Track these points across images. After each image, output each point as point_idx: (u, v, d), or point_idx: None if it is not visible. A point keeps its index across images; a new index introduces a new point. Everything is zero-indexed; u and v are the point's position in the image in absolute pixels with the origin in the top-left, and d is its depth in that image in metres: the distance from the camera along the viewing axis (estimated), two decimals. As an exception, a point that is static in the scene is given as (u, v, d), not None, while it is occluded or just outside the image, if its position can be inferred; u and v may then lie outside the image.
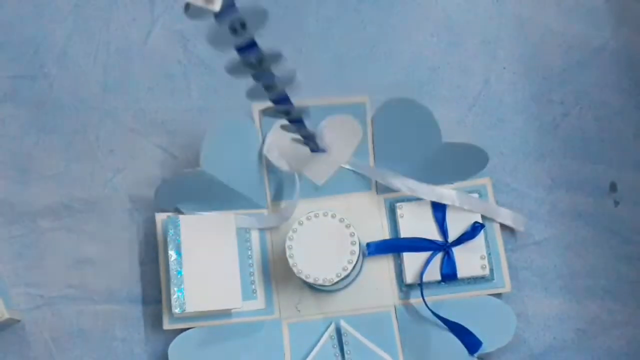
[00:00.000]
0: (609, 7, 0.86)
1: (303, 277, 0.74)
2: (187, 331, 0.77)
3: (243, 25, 0.53)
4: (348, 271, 0.73)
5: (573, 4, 0.86)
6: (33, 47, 0.85)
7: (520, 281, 0.81)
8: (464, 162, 0.79)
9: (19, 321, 0.80)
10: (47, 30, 0.85)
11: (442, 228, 0.79)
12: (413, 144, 0.79)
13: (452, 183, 0.80)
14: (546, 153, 0.84)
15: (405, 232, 0.79)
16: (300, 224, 0.74)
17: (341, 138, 0.79)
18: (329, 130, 0.78)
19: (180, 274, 0.75)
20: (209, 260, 0.76)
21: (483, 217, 0.80)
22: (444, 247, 0.78)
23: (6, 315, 0.77)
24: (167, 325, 0.77)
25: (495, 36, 0.86)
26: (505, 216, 0.80)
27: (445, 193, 0.79)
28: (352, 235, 0.74)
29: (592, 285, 0.81)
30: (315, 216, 0.74)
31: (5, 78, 0.85)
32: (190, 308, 0.74)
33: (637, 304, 0.81)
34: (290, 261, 0.73)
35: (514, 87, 0.85)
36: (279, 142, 0.79)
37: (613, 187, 0.83)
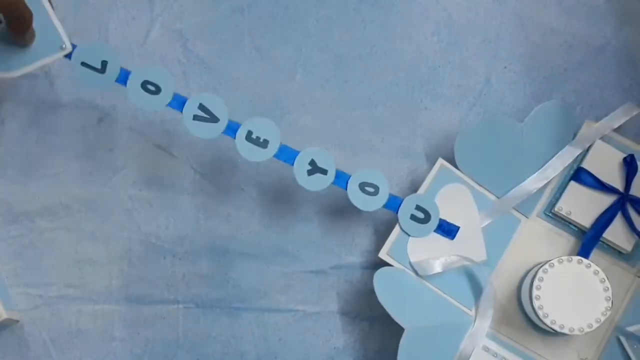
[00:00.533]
0: (610, 6, 0.86)
1: (550, 325, 0.72)
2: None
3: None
4: (601, 322, 0.71)
5: (574, 3, 0.86)
6: (33, 47, 0.85)
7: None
8: (552, 126, 0.78)
9: (17, 321, 0.80)
10: (46, 29, 0.85)
11: (605, 188, 0.76)
12: (501, 157, 0.78)
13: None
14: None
15: (584, 221, 0.76)
16: (552, 266, 0.72)
17: (460, 206, 0.77)
18: (445, 207, 0.77)
19: None
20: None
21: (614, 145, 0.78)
22: (623, 200, 0.75)
23: (5, 316, 0.77)
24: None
25: (496, 35, 0.86)
26: (613, 117, 0.78)
27: (563, 154, 0.77)
28: (602, 281, 0.72)
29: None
30: (569, 261, 0.72)
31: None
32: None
33: (638, 304, 0.81)
34: (537, 303, 0.71)
35: (515, 86, 0.85)
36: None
37: (614, 187, 0.83)
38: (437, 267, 0.74)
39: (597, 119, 0.84)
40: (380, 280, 0.74)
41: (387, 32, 0.86)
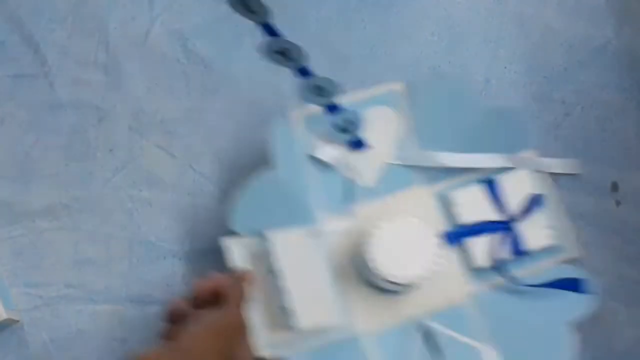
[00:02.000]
0: (611, 6, 0.86)
1: (388, 279, 0.71)
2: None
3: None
4: (439, 266, 0.71)
5: (574, 3, 0.86)
6: (33, 47, 0.85)
7: (521, 281, 0.81)
8: (506, 131, 0.78)
9: (17, 321, 0.80)
10: (47, 29, 0.85)
11: (500, 207, 0.77)
12: (453, 120, 0.78)
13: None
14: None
15: (464, 220, 0.77)
16: (379, 228, 0.72)
17: (381, 132, 0.78)
18: (368, 125, 0.77)
19: (287, 291, 0.72)
20: (305, 276, 0.73)
21: (536, 184, 0.78)
22: (506, 226, 0.76)
23: (4, 316, 0.77)
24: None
25: (496, 35, 0.86)
26: (556, 165, 0.79)
27: (494, 158, 0.78)
28: (435, 236, 0.72)
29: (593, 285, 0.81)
30: (393, 219, 0.72)
31: (5, 77, 0.85)
32: (304, 324, 0.71)
33: (638, 304, 0.80)
34: (368, 256, 0.71)
35: (515, 86, 0.85)
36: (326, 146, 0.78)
37: (614, 187, 0.83)
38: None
39: (598, 119, 0.84)
40: None
41: (387, 32, 0.86)
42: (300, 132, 0.79)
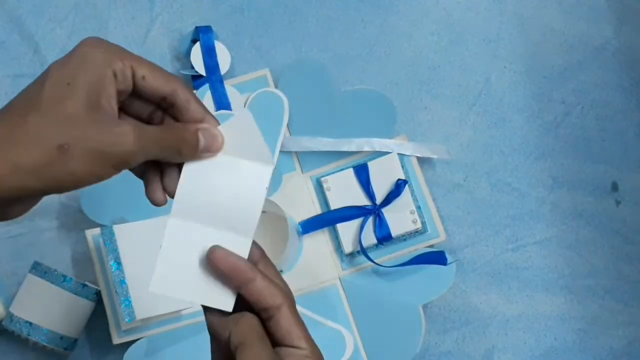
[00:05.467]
0: (610, 6, 0.86)
1: None
2: (139, 340, 0.77)
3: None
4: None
5: (574, 3, 0.86)
6: (33, 46, 0.85)
7: (521, 281, 0.81)
8: (372, 112, 0.81)
9: (17, 321, 0.80)
10: (47, 29, 0.85)
11: (369, 192, 0.79)
12: (318, 103, 0.81)
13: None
14: (547, 152, 0.83)
15: (335, 205, 0.79)
16: None
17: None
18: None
19: (124, 283, 0.74)
20: (150, 266, 0.75)
21: (405, 169, 0.80)
22: (373, 211, 0.79)
23: (4, 315, 0.77)
24: (116, 339, 0.77)
25: (496, 35, 0.86)
26: (423, 149, 0.81)
27: (360, 141, 0.80)
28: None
29: (594, 285, 0.81)
30: None
31: (5, 77, 0.84)
32: (140, 315, 0.74)
33: (638, 303, 0.80)
34: None
35: (515, 86, 0.85)
36: None
37: (614, 187, 0.83)
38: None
39: (598, 119, 0.84)
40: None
41: (387, 32, 0.86)
42: None
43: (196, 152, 0.48)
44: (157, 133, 0.47)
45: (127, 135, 0.45)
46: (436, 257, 0.77)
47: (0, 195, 0.44)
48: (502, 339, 0.80)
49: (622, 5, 0.86)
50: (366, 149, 0.80)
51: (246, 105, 0.81)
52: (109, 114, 0.45)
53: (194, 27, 0.83)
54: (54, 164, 0.44)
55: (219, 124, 0.49)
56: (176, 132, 0.48)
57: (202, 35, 0.82)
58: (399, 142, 0.81)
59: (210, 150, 0.48)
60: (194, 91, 0.82)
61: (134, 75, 0.47)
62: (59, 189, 0.45)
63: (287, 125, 0.81)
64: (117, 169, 0.46)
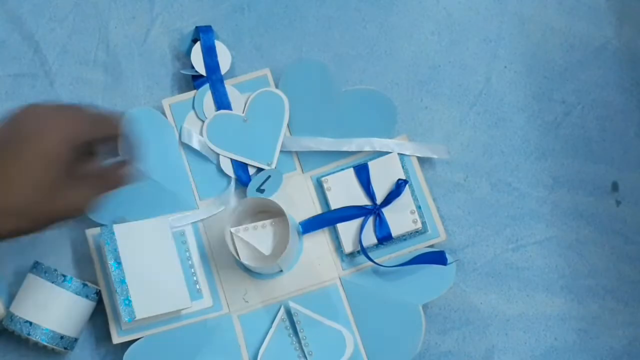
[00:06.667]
0: (611, 5, 0.86)
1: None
2: (140, 340, 0.77)
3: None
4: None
5: (575, 3, 0.86)
6: (33, 46, 0.85)
7: (521, 281, 0.81)
8: (372, 112, 0.81)
9: (17, 320, 0.80)
10: (47, 28, 0.85)
11: (369, 192, 0.79)
12: (318, 103, 0.81)
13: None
14: (547, 152, 0.83)
15: (335, 204, 0.80)
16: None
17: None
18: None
19: (124, 282, 0.74)
20: (150, 265, 0.76)
21: (405, 169, 0.80)
22: (373, 210, 0.79)
23: (5, 315, 0.77)
24: (116, 339, 0.77)
25: (497, 35, 0.86)
26: (424, 149, 0.81)
27: (360, 141, 0.81)
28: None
29: (594, 285, 0.81)
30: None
31: (6, 76, 0.84)
32: (140, 315, 0.74)
33: (638, 303, 0.80)
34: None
35: (515, 85, 0.85)
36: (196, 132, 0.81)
37: (615, 187, 0.83)
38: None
39: (598, 119, 0.84)
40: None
41: (387, 32, 0.86)
42: (167, 121, 0.81)
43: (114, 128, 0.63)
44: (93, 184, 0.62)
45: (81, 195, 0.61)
46: (436, 257, 0.77)
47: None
48: (502, 339, 0.80)
49: (622, 5, 0.86)
50: (366, 149, 0.80)
51: (246, 105, 0.81)
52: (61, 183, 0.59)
53: (195, 27, 0.83)
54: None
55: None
56: (105, 180, 0.63)
57: (203, 35, 0.82)
58: (399, 142, 0.81)
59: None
60: (195, 91, 0.82)
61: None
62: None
63: (288, 125, 0.81)
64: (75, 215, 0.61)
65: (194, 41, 0.82)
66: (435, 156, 0.81)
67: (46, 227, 0.60)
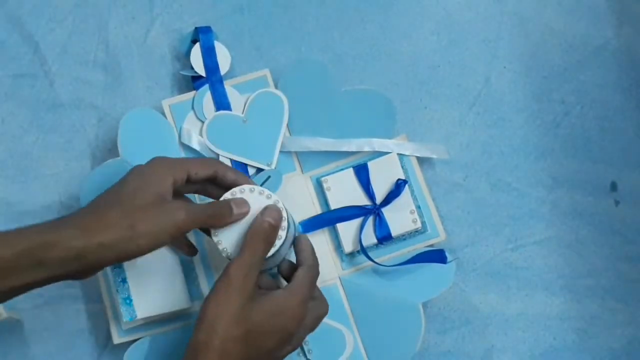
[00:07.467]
0: (610, 5, 0.86)
1: (231, 258, 0.72)
2: (140, 340, 0.77)
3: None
4: (277, 247, 0.70)
5: (574, 3, 0.86)
6: (33, 46, 0.85)
7: (520, 281, 0.81)
8: (372, 112, 0.81)
9: (18, 320, 0.80)
10: (47, 29, 0.85)
11: (369, 192, 0.79)
12: (318, 103, 0.81)
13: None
14: (547, 152, 0.84)
15: (334, 205, 0.80)
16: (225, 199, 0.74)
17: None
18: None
19: (125, 281, 0.74)
20: (150, 265, 0.76)
21: (405, 169, 0.80)
22: (373, 210, 0.79)
23: (5, 315, 0.77)
24: (116, 339, 0.77)
25: (496, 35, 0.86)
26: (423, 149, 0.81)
27: (360, 141, 0.81)
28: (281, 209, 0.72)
29: (593, 284, 0.81)
30: (241, 192, 0.71)
31: (5, 77, 0.84)
32: (141, 314, 0.74)
33: (638, 303, 0.81)
34: (215, 239, 0.71)
35: (515, 86, 0.85)
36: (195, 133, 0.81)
37: (614, 187, 0.83)
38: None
39: (598, 118, 0.84)
40: None
41: (387, 32, 0.86)
42: (166, 122, 0.81)
43: (230, 219, 0.68)
44: (201, 207, 0.66)
45: (179, 210, 0.64)
46: (436, 256, 0.78)
47: (86, 264, 0.62)
48: (502, 338, 0.80)
49: (622, 5, 0.86)
50: (366, 149, 0.80)
51: (246, 106, 0.81)
52: (166, 200, 0.65)
53: (194, 27, 0.83)
54: (125, 241, 0.62)
55: (251, 183, 0.71)
56: (214, 206, 0.67)
57: (202, 35, 0.82)
58: (398, 142, 0.81)
59: (241, 215, 0.68)
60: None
61: (189, 174, 0.68)
62: (127, 258, 0.64)
63: (287, 125, 0.82)
64: (173, 236, 0.64)
65: (194, 42, 0.82)
66: (434, 156, 0.82)
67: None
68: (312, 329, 0.69)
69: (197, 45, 0.82)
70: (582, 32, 0.86)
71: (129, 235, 0.62)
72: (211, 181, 0.70)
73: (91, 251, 0.61)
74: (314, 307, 0.68)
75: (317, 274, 0.69)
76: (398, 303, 0.78)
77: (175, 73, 0.84)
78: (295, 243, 0.71)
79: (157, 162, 0.67)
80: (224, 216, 0.67)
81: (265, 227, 0.67)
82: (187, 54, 0.82)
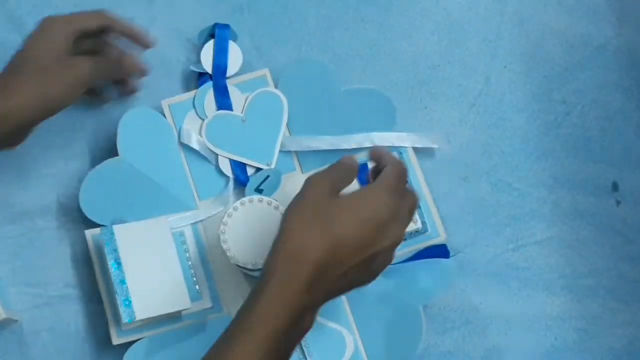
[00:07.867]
0: (611, 5, 0.86)
1: (240, 265, 0.73)
2: (139, 341, 0.76)
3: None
4: None
5: (574, 3, 0.86)
6: (33, 47, 0.85)
7: (521, 281, 0.81)
8: (372, 112, 0.82)
9: (17, 321, 0.79)
10: (46, 29, 0.85)
11: None
12: (318, 103, 0.81)
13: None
14: (547, 152, 0.83)
15: None
16: (235, 209, 0.74)
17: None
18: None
19: (124, 283, 0.74)
20: (150, 266, 0.75)
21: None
22: None
23: (4, 316, 0.76)
24: (116, 339, 0.77)
25: (496, 35, 0.86)
26: (424, 140, 0.81)
27: (360, 137, 0.81)
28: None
29: (594, 284, 0.81)
30: (250, 202, 0.73)
31: (4, 77, 0.84)
32: (140, 315, 0.73)
33: (638, 303, 0.80)
34: (224, 246, 0.72)
35: (515, 85, 0.85)
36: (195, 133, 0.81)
37: (615, 187, 0.83)
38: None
39: (598, 118, 0.84)
40: None
41: (387, 32, 0.86)
42: (166, 122, 0.81)
43: (130, 63, 0.78)
44: (104, 58, 0.77)
45: (85, 62, 0.73)
46: (438, 251, 0.77)
47: (12, 124, 0.70)
48: (502, 338, 0.80)
49: (622, 5, 0.86)
50: (366, 145, 0.80)
51: (245, 105, 0.81)
52: (69, 55, 0.73)
53: (213, 23, 0.83)
54: (41, 99, 0.71)
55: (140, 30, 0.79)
56: (115, 55, 0.78)
57: (218, 31, 0.82)
58: (398, 135, 0.81)
59: (135, 68, 0.79)
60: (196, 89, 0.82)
61: (81, 27, 0.74)
62: (50, 114, 0.73)
63: (287, 125, 0.81)
64: (85, 85, 0.74)
65: (212, 36, 0.82)
66: (435, 146, 0.81)
67: (59, 105, 0.73)
68: (407, 223, 0.64)
69: (210, 42, 0.82)
70: (583, 32, 0.86)
71: (44, 92, 0.70)
72: (106, 34, 0.77)
73: (12, 113, 0.69)
74: (406, 198, 0.63)
75: (404, 169, 0.64)
76: (398, 304, 0.78)
77: (175, 73, 0.84)
78: (370, 157, 0.67)
79: (47, 22, 0.74)
80: (127, 65, 0.78)
81: (350, 161, 0.64)
82: (200, 48, 0.82)
